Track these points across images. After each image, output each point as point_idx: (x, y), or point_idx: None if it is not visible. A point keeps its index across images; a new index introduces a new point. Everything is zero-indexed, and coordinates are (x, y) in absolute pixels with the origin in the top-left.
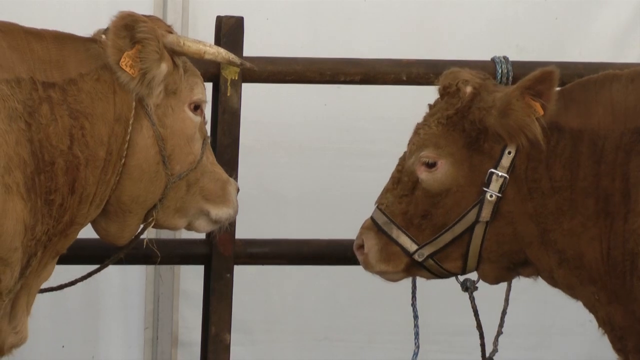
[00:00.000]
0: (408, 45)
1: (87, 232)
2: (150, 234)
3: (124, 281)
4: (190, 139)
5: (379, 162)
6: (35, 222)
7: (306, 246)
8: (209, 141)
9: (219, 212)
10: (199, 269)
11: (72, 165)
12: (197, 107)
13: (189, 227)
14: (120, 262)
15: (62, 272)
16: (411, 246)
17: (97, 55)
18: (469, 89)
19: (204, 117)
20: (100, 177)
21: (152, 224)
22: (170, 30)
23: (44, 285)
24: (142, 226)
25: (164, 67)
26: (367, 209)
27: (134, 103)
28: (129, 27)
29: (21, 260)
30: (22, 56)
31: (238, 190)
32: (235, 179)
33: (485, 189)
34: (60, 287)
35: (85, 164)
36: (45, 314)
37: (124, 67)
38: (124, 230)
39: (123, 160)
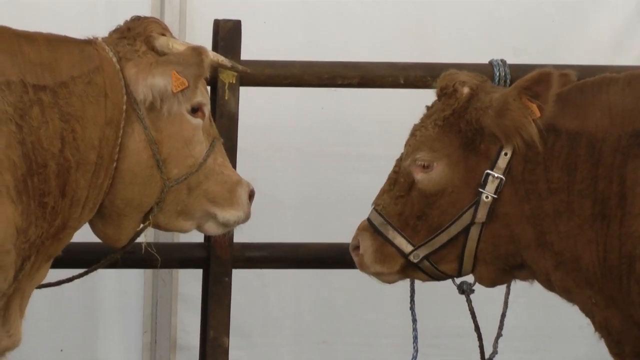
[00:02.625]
0: (405, 48)
1: (88, 237)
2: (148, 237)
3: (123, 285)
4: (188, 142)
5: (376, 165)
6: (29, 224)
7: (304, 250)
8: (221, 143)
9: (226, 215)
10: (198, 273)
11: (63, 169)
12: (195, 110)
13: (200, 230)
14: (118, 265)
15: (62, 276)
16: (407, 247)
17: (90, 58)
18: (466, 90)
19: (210, 119)
20: (91, 181)
21: (149, 226)
22: (164, 33)
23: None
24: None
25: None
26: (364, 212)
27: (124, 106)
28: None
29: (15, 263)
30: (13, 59)
31: (253, 192)
32: None
33: (480, 190)
34: (59, 283)
35: (76, 167)
36: (44, 317)
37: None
38: (120, 232)
39: (115, 164)
